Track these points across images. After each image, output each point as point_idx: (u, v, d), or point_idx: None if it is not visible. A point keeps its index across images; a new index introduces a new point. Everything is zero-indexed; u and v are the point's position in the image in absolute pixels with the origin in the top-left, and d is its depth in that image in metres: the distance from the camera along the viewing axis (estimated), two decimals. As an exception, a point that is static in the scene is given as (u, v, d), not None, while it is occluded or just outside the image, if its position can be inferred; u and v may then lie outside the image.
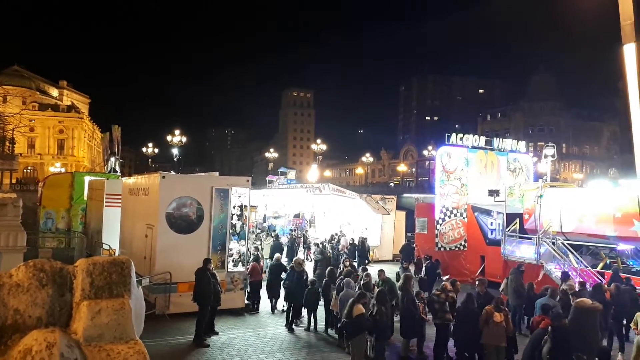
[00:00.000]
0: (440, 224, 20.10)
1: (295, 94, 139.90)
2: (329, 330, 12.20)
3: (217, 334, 11.52)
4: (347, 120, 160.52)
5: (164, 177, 13.39)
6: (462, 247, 20.30)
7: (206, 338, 11.07)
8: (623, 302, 11.23)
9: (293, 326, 12.42)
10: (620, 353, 10.78)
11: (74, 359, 2.20)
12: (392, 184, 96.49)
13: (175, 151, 49.72)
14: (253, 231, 23.45)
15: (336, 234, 22.39)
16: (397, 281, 12.31)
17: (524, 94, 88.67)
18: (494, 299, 9.72)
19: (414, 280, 12.41)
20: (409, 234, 25.97)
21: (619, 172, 46.61)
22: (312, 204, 27.86)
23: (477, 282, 11.56)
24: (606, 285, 12.19)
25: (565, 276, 13.17)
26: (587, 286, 12.79)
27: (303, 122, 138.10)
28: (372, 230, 23.98)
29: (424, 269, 15.52)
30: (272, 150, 62.89)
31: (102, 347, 2.42)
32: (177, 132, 46.06)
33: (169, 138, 46.45)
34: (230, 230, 14.69)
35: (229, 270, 13.69)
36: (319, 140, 61.64)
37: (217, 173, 16.25)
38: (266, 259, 17.69)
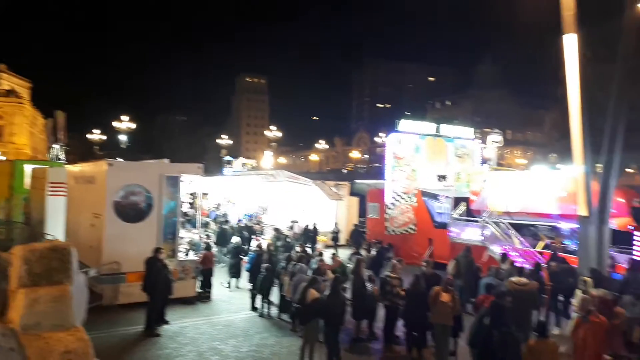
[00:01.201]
0: (391, 209, 20.54)
1: (248, 79, 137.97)
2: (282, 315, 12.30)
3: (168, 323, 11.36)
4: (301, 107, 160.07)
5: (111, 164, 13.01)
6: (411, 231, 20.85)
7: (157, 328, 10.90)
8: (560, 280, 11.92)
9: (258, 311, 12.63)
10: (556, 327, 11.44)
11: (9, 347, 2.14)
12: (345, 171, 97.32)
13: (123, 138, 48.08)
14: (205, 219, 23.20)
15: (293, 221, 22.50)
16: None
17: (472, 83, 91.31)
18: (442, 279, 10.08)
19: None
20: (361, 219, 26.39)
21: (559, 157, 49.33)
22: (266, 191, 27.75)
23: (424, 264, 11.97)
24: (545, 265, 12.89)
25: (504, 257, 13.79)
26: (528, 266, 13.48)
27: (257, 108, 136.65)
28: (326, 216, 24.21)
29: (374, 252, 15.85)
30: (225, 136, 61.99)
31: (40, 335, 2.35)
32: (124, 118, 44.54)
33: (116, 124, 44.88)
34: (182, 219, 14.47)
35: (180, 259, 13.51)
36: (273, 127, 61.26)
37: (167, 160, 15.85)
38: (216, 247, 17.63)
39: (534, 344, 7.06)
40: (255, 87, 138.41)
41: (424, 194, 20.99)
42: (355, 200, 27.33)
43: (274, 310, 12.61)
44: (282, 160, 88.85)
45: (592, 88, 13.61)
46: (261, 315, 12.47)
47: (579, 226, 13.62)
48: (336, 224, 23.97)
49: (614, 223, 14.36)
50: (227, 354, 9.75)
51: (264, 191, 27.64)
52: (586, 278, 10.65)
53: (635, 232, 12.86)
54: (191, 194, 21.48)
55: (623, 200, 14.60)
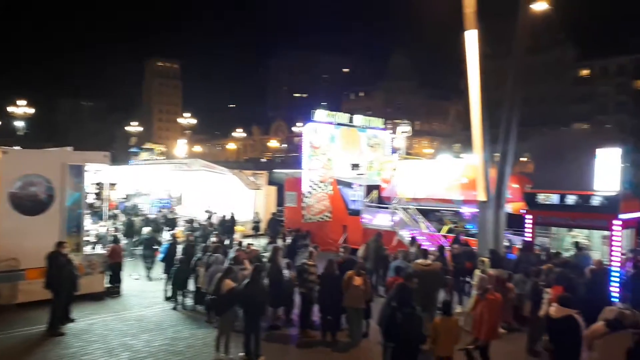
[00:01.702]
0: (308, 197, 20.86)
1: (160, 64, 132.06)
2: (197, 307, 12.13)
3: (73, 321, 10.78)
4: (217, 94, 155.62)
5: (5, 152, 11.97)
6: (327, 218, 21.34)
7: (61, 326, 10.31)
8: (462, 261, 12.83)
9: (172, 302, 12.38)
10: (459, 305, 12.33)
11: None
12: (263, 160, 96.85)
13: (20, 124, 44.23)
14: (114, 211, 22.09)
15: (207, 211, 22.10)
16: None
17: (383, 75, 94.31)
18: (355, 264, 10.45)
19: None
20: (279, 208, 26.51)
21: (462, 147, 52.86)
22: (180, 181, 26.94)
23: (341, 250, 12.35)
24: (449, 247, 13.80)
25: (413, 241, 14.60)
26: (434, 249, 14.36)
27: (169, 94, 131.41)
28: (244, 205, 24.05)
29: (289, 240, 16.07)
30: (135, 123, 59.08)
31: None
32: (21, 102, 40.93)
33: (11, 109, 41.16)
34: (88, 211, 13.69)
35: (86, 253, 12.82)
36: (187, 114, 59.29)
37: (70, 148, 14.86)
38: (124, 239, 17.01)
39: (439, 322, 7.60)
40: (167, 72, 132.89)
41: (339, 182, 21.54)
42: (273, 189, 27.35)
43: (189, 302, 12.40)
44: (198, 148, 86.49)
45: (491, 82, 14.67)
46: (175, 308, 12.19)
47: (478, 210, 14.71)
48: (257, 213, 23.87)
49: (510, 207, 15.67)
50: (138, 349, 9.46)
51: (177, 181, 26.83)
52: (484, 258, 11.57)
53: (526, 216, 14.10)
54: (97, 185, 20.36)
55: (517, 186, 15.94)
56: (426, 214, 18.90)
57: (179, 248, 13.71)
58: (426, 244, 15.07)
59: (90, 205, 20.12)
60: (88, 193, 13.37)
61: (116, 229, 16.30)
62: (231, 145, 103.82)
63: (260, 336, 9.09)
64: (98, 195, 21.13)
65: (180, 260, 12.65)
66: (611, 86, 70.18)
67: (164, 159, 35.17)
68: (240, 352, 9.06)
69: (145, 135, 79.68)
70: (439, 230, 18.00)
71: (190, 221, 19.59)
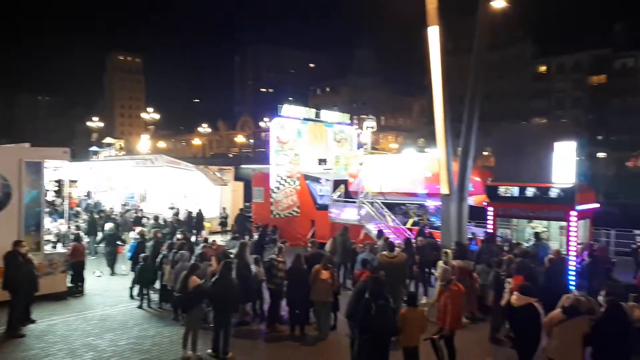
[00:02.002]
0: (275, 193, 20.83)
1: (122, 57, 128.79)
2: (164, 304, 11.97)
3: (34, 322, 10.47)
4: (181, 89, 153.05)
5: (-43, 149, 11.47)
6: (295, 213, 21.37)
7: (21, 328, 9.99)
8: (427, 253, 13.09)
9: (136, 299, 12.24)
10: (424, 296, 12.60)
11: None
12: (230, 155, 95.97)
13: (-29, 120, 42.43)
14: (76, 209, 21.50)
15: (171, 207, 21.77)
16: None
17: (349, 70, 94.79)
18: (322, 258, 10.49)
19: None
20: (247, 204, 26.36)
21: (426, 142, 53.97)
22: (143, 177, 26.42)
23: (309, 244, 12.40)
24: (414, 240, 14.06)
25: (380, 233, 14.80)
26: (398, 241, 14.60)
27: (132, 88, 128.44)
28: (210, 201, 23.80)
29: (256, 236, 16.03)
30: (96, 119, 57.48)
31: None
32: (-27, 97, 39.20)
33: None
34: (47, 208, 13.27)
35: (46, 252, 12.45)
36: (150, 109, 58.09)
37: (27, 144, 14.35)
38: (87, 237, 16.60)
39: (406, 313, 7.74)
40: (129, 66, 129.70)
41: (307, 177, 21.58)
42: (240, 185, 27.15)
43: (155, 300, 12.21)
44: (162, 144, 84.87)
45: (453, 78, 14.97)
46: (140, 306, 11.99)
47: (441, 203, 15.02)
48: (224, 209, 23.65)
49: (472, 200, 16.07)
50: (103, 349, 9.27)
51: (141, 177, 26.30)
52: (447, 250, 11.84)
53: (488, 208, 14.49)
54: (57, 182, 19.77)
55: (479, 180, 16.34)
56: (392, 207, 19.19)
57: (149, 245, 13.50)
58: (392, 237, 15.29)
59: (50, 203, 19.56)
60: (47, 190, 12.92)
61: (78, 227, 15.85)
62: (196, 141, 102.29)
63: (229, 333, 9.05)
64: (58, 193, 20.50)
65: (144, 258, 12.44)
66: (567, 82, 72.72)
67: (124, 155, 34.31)
68: (208, 348, 9.01)
69: (107, 131, 77.65)
70: (404, 224, 18.31)
71: (156, 218, 19.25)
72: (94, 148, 38.04)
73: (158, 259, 12.28)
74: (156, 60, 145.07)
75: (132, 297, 12.52)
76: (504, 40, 74.76)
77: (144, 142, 47.40)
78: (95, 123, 55.17)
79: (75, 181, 25.75)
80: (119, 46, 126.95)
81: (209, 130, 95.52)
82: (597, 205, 14.98)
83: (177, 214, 20.89)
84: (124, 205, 24.43)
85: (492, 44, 71.15)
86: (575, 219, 12.65)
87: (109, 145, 36.32)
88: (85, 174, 26.96)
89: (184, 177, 24.45)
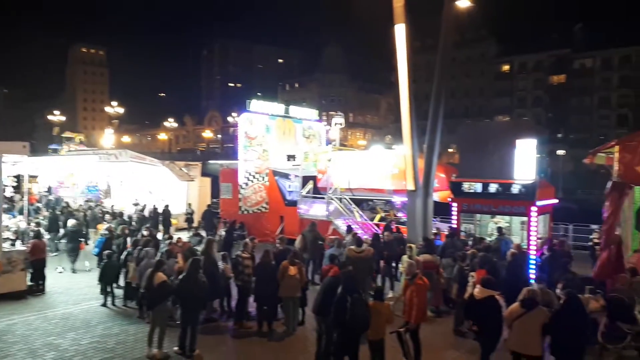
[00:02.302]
0: (244, 188, 20.72)
1: (85, 50, 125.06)
2: (128, 302, 11.77)
3: (-9, 322, 10.15)
4: (147, 83, 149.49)
5: None
6: (264, 209, 21.31)
7: (-22, 328, 9.67)
8: (393, 248, 13.31)
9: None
10: (391, 290, 12.80)
11: None
12: (198, 151, 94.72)
13: None
14: (36, 205, 20.82)
15: (135, 203, 21.35)
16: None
17: (318, 67, 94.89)
18: (289, 254, 10.52)
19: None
20: (214, 200, 26.11)
21: (393, 138, 54.71)
22: (107, 173, 25.81)
23: (277, 241, 12.41)
24: (381, 235, 14.25)
25: (349, 229, 14.95)
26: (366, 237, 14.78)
27: (95, 81, 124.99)
28: (177, 197, 23.46)
29: (223, 232, 15.94)
30: (57, 112, 55.67)
31: None
32: None
33: None
34: (6, 205, 12.83)
35: (5, 249, 12.04)
36: (114, 103, 56.72)
37: (-16, 139, 13.82)
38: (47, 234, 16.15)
39: (373, 306, 7.87)
40: (92, 59, 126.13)
41: (275, 173, 21.54)
42: (207, 180, 26.87)
43: (120, 298, 11.99)
44: (127, 139, 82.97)
45: (420, 76, 15.21)
46: (104, 304, 11.76)
47: (407, 199, 15.27)
48: (190, 205, 23.34)
49: (437, 196, 16.39)
50: (65, 349, 9.06)
51: (105, 172, 25.68)
52: (412, 245, 12.06)
53: (452, 204, 14.80)
54: (16, 177, 19.11)
55: (444, 176, 16.67)
56: (360, 203, 19.37)
57: (117, 242, 13.26)
58: (360, 232, 15.45)
59: (9, 199, 18.90)
60: (6, 186, 12.47)
61: (38, 224, 15.38)
62: (162, 136, 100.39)
63: (197, 330, 8.98)
64: (17, 189, 19.84)
65: (108, 255, 12.19)
66: (529, 81, 74.88)
67: (86, 149, 33.32)
68: (175, 346, 8.92)
69: (69, 125, 75.37)
70: (371, 219, 18.52)
71: (120, 214, 18.86)
72: (53, 145, 36.64)
73: (123, 256, 12.06)
74: (121, 52, 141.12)
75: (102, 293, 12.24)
76: (469, 39, 76.42)
77: (107, 136, 46.17)
78: (56, 117, 53.38)
79: (36, 176, 24.95)
80: (83, 38, 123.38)
81: (176, 125, 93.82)
82: (556, 201, 15.52)
83: (142, 210, 20.53)
84: (87, 201, 23.83)
85: (458, 43, 72.76)
86: (536, 214, 13.08)
87: (68, 139, 35.02)
88: (46, 169, 26.13)
89: (149, 172, 24.01)
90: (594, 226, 18.36)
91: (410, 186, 14.78)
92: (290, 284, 9.89)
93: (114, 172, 25.41)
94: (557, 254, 11.96)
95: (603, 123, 68.48)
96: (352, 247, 10.79)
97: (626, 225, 11.80)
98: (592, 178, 40.20)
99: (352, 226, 15.93)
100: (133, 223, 18.04)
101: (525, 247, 12.76)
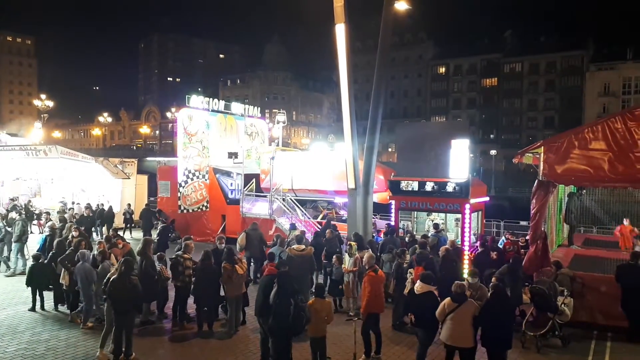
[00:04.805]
0: (183, 187, 20.25)
1: (10, 39, 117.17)
2: (59, 306, 11.21)
3: None
4: (80, 76, 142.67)
5: None
6: (204, 208, 20.92)
7: None
8: (334, 245, 13.47)
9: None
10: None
11: None
12: (134, 147, 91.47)
13: None
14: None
15: (61, 201, 20.36)
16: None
17: (261, 63, 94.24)
18: (232, 253, 10.34)
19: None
20: (151, 199, 25.32)
21: (336, 137, 55.40)
22: (35, 170, 24.38)
23: (218, 240, 12.20)
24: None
25: (292, 227, 14.99)
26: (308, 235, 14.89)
27: (22, 73, 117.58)
28: (112, 195, 22.56)
29: (158, 231, 15.54)
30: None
31: None
32: None
33: None
34: None
35: None
36: (43, 96, 53.69)
37: None
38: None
39: (313, 303, 7.94)
40: (19, 48, 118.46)
41: (216, 170, 21.18)
42: (144, 178, 25.98)
43: (50, 302, 11.39)
44: (57, 134, 78.71)
45: (361, 76, 15.47)
46: (33, 309, 11.12)
47: (348, 197, 15.52)
48: (129, 204, 22.48)
49: (376, 198, 16.73)
50: (-12, 358, 8.52)
51: (33, 169, 24.25)
52: (352, 242, 12.29)
53: (391, 202, 15.20)
54: None
55: (382, 178, 17.07)
56: (303, 201, 19.44)
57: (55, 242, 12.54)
58: (303, 231, 15.53)
59: None
60: None
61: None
62: (97, 131, 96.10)
63: (131, 334, 8.66)
64: None
65: (35, 256, 11.51)
66: (464, 83, 78.18)
67: (12, 144, 31.22)
68: (109, 351, 8.58)
69: (-8, 119, 70.45)
70: (315, 217, 18.67)
71: (47, 213, 17.89)
72: None
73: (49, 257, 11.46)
74: (51, 42, 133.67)
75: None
76: (408, 41, 78.67)
77: (35, 131, 43.48)
78: (-23, 109, 49.72)
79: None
80: (7, 25, 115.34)
81: (111, 120, 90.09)
82: (488, 198, 16.32)
83: (72, 209, 19.59)
84: (12, 199, 22.41)
85: (398, 44, 74.82)
86: (469, 211, 13.69)
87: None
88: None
89: (81, 169, 22.92)
90: (523, 222, 19.36)
91: (351, 184, 15.03)
92: (235, 284, 9.79)
93: (43, 169, 24.07)
94: (488, 249, 12.56)
95: (531, 125, 72.74)
96: (294, 246, 10.84)
97: (551, 222, 12.61)
98: (521, 177, 42.52)
99: (295, 224, 15.97)
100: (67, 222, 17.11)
101: (460, 243, 13.31)
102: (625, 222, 14.16)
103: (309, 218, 18.33)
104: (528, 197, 11.38)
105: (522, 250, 12.55)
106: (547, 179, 10.74)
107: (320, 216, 19.03)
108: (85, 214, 18.88)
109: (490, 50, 74.26)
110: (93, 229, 19.52)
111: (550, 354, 9.09)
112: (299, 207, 18.59)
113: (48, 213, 18.76)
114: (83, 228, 15.82)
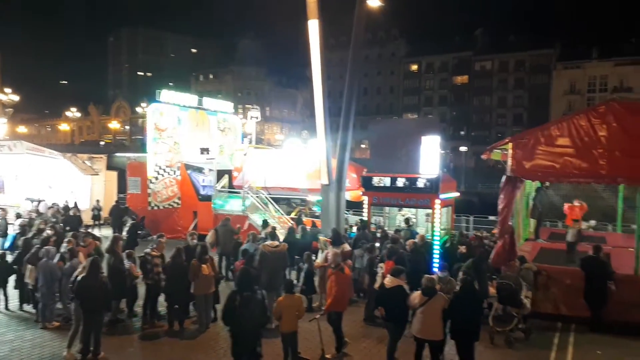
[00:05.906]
0: (154, 183, 19.93)
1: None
2: (25, 306, 10.92)
3: None
4: (46, 68, 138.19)
5: None
6: (175, 205, 20.64)
7: None
8: (309, 241, 13.50)
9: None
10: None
11: None
12: (103, 143, 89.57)
13: None
14: None
15: (28, 199, 19.80)
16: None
17: (234, 58, 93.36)
18: (203, 250, 10.24)
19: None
20: (121, 195, 24.84)
21: (309, 134, 55.51)
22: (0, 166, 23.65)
23: (188, 237, 12.08)
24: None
25: (265, 224, 14.93)
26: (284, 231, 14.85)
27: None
28: (80, 192, 22.02)
29: (127, 228, 15.29)
30: (-63, 99, 49.80)
31: None
32: None
33: None
34: None
35: None
36: (8, 90, 52.01)
37: None
38: None
39: (283, 300, 7.96)
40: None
41: (188, 166, 20.91)
42: (113, 175, 25.44)
43: (15, 302, 11.08)
44: (23, 129, 76.40)
45: (334, 72, 15.50)
46: (-5, 309, 10.82)
47: (321, 193, 15.56)
48: (98, 201, 21.99)
49: (349, 196, 16.79)
50: (-52, 360, 8.24)
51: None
52: (325, 238, 12.33)
53: (363, 197, 15.26)
54: None
55: (355, 176, 17.16)
56: (276, 199, 19.37)
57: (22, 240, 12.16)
58: (274, 227, 15.49)
59: None
60: None
61: None
62: (64, 127, 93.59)
63: (100, 333, 8.51)
64: None
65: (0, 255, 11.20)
66: (435, 81, 79.20)
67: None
68: (77, 350, 8.42)
69: (-48, 113, 67.73)
70: (288, 214, 18.65)
71: (3, 209, 17.34)
72: None
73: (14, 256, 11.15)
74: (16, 34, 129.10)
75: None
76: (382, 38, 79.19)
77: (0, 126, 42.10)
78: None
79: None
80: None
81: (79, 115, 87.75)
82: (458, 194, 16.58)
83: (37, 206, 19.06)
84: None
85: (371, 41, 75.20)
86: (439, 206, 13.90)
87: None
88: None
89: (48, 166, 22.31)
90: (492, 217, 19.73)
91: (325, 180, 15.07)
92: (204, 281, 9.72)
93: (7, 166, 23.33)
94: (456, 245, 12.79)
95: (501, 122, 74.19)
96: (268, 242, 10.82)
97: (518, 216, 12.92)
98: (491, 173, 43.30)
99: (269, 221, 15.93)
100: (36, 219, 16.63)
101: (430, 237, 13.51)
102: (576, 202, 14.53)
103: (282, 214, 18.31)
104: (497, 192, 11.61)
105: (486, 243, 12.84)
106: (514, 174, 10.99)
107: (294, 212, 19.02)
108: (72, 214, 18.35)
109: (462, 49, 75.33)
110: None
111: (514, 345, 9.33)
112: (272, 204, 18.54)
113: (4, 209, 18.12)
114: (68, 228, 15.47)
